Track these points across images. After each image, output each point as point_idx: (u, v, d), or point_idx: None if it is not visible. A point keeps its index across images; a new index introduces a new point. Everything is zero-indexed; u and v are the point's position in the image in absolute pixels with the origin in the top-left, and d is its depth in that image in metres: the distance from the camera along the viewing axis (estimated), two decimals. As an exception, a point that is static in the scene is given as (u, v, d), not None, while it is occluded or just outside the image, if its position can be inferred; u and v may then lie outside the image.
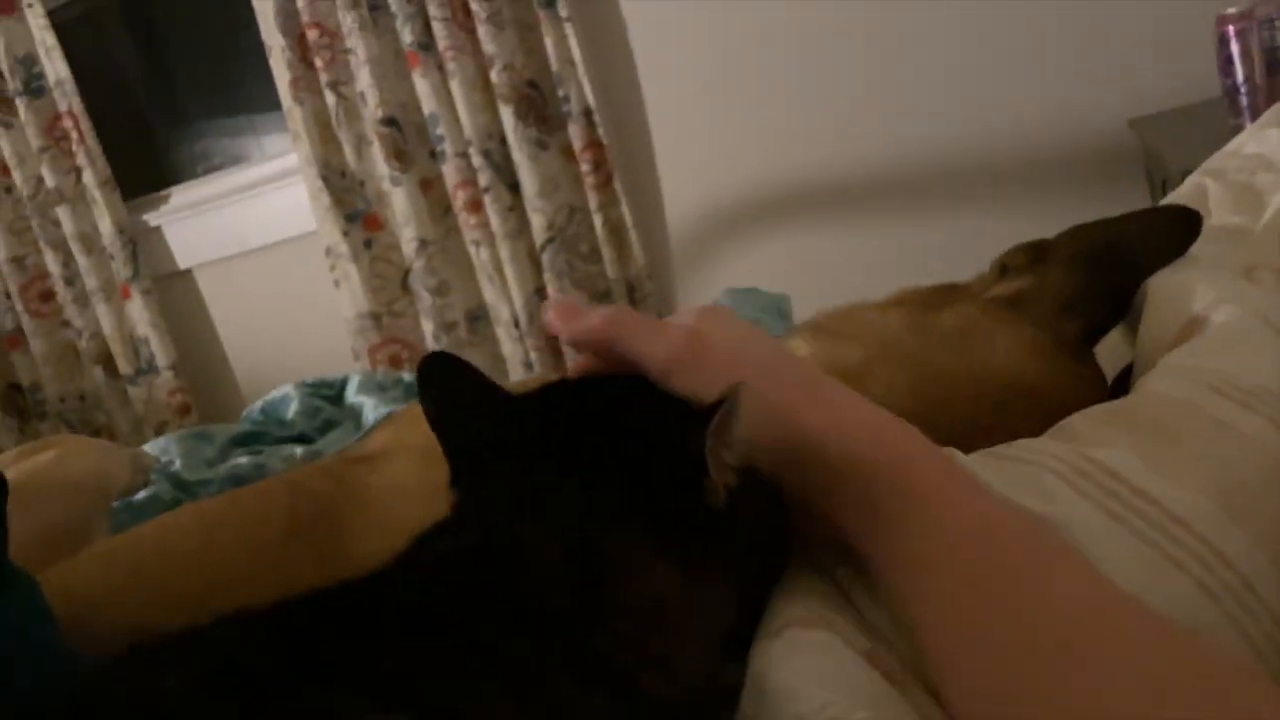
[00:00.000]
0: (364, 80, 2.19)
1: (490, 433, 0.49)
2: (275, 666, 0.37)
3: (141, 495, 1.30)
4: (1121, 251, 0.68)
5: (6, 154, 2.48)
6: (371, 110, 2.20)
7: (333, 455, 1.17)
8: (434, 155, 2.23)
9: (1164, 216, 0.72)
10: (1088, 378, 0.65)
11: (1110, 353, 0.69)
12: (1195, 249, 0.70)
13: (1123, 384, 0.66)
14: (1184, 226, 0.69)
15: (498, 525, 0.43)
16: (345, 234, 2.30)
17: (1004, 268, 0.70)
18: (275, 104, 2.33)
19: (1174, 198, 0.85)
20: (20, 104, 2.44)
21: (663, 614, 0.42)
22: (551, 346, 2.25)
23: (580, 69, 2.09)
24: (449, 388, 0.50)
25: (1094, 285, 0.67)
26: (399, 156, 2.22)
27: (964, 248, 1.77)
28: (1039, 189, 1.96)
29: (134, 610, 0.64)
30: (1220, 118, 1.55)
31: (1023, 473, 0.50)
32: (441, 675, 0.36)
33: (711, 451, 0.44)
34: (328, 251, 2.33)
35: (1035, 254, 0.70)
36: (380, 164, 2.25)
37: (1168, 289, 0.66)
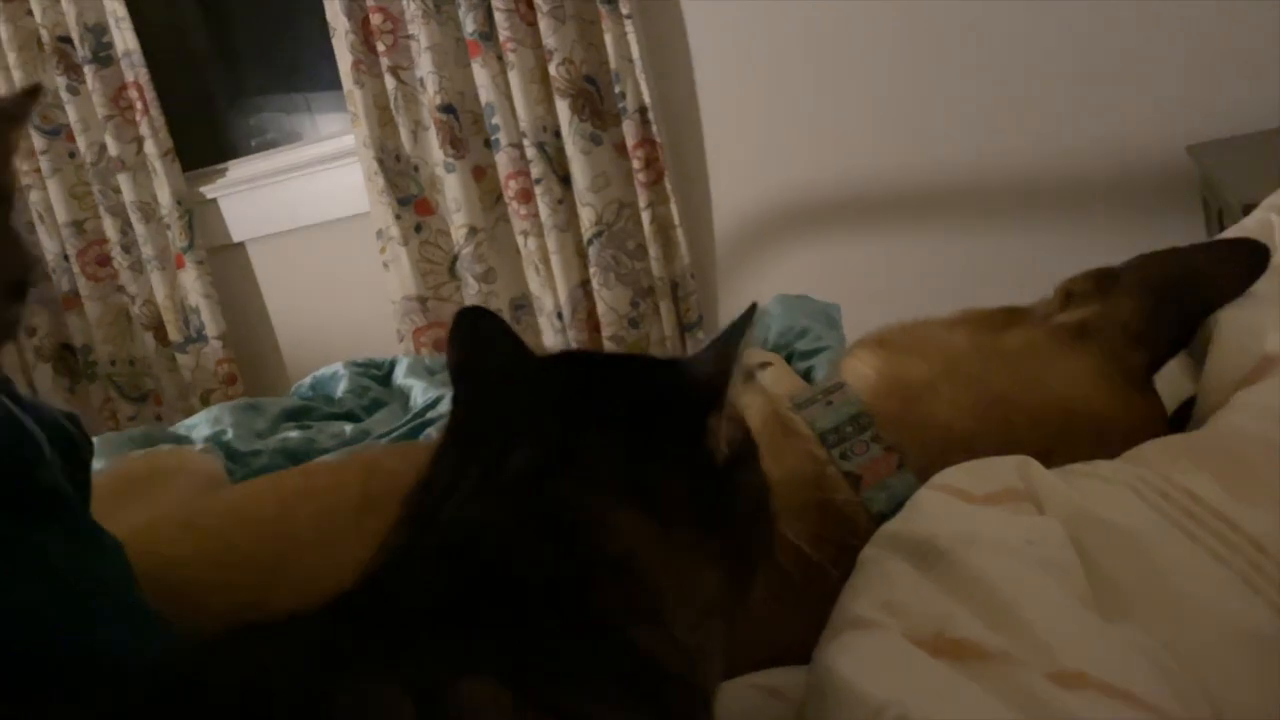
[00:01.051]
0: (424, 67, 2.22)
1: (501, 387, 0.50)
2: (360, 646, 0.39)
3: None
4: (1190, 283, 0.69)
5: (72, 120, 2.53)
6: (430, 97, 2.23)
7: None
8: (488, 144, 2.26)
9: (1232, 249, 0.73)
10: (1151, 410, 0.66)
11: (1168, 383, 0.70)
12: (1262, 287, 0.71)
13: (1182, 417, 0.67)
14: (1253, 260, 0.69)
15: (485, 501, 0.44)
16: (397, 217, 2.33)
17: (1069, 294, 0.71)
18: (332, 83, 2.37)
19: (1237, 231, 0.85)
20: (88, 72, 2.50)
21: (641, 567, 0.42)
22: (593, 339, 2.28)
23: (638, 66, 2.10)
24: (478, 340, 0.52)
25: (1162, 316, 0.68)
26: (454, 144, 2.25)
27: (1015, 265, 1.78)
28: (1092, 209, 1.95)
29: (210, 573, 0.67)
30: (1280, 149, 1.54)
31: (1103, 490, 0.51)
32: (480, 651, 0.39)
33: (730, 389, 0.45)
34: (379, 233, 2.37)
35: (1101, 282, 0.70)
36: (435, 150, 2.28)
37: (1238, 327, 0.66)
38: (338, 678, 0.36)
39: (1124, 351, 0.66)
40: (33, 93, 0.54)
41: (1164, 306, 0.68)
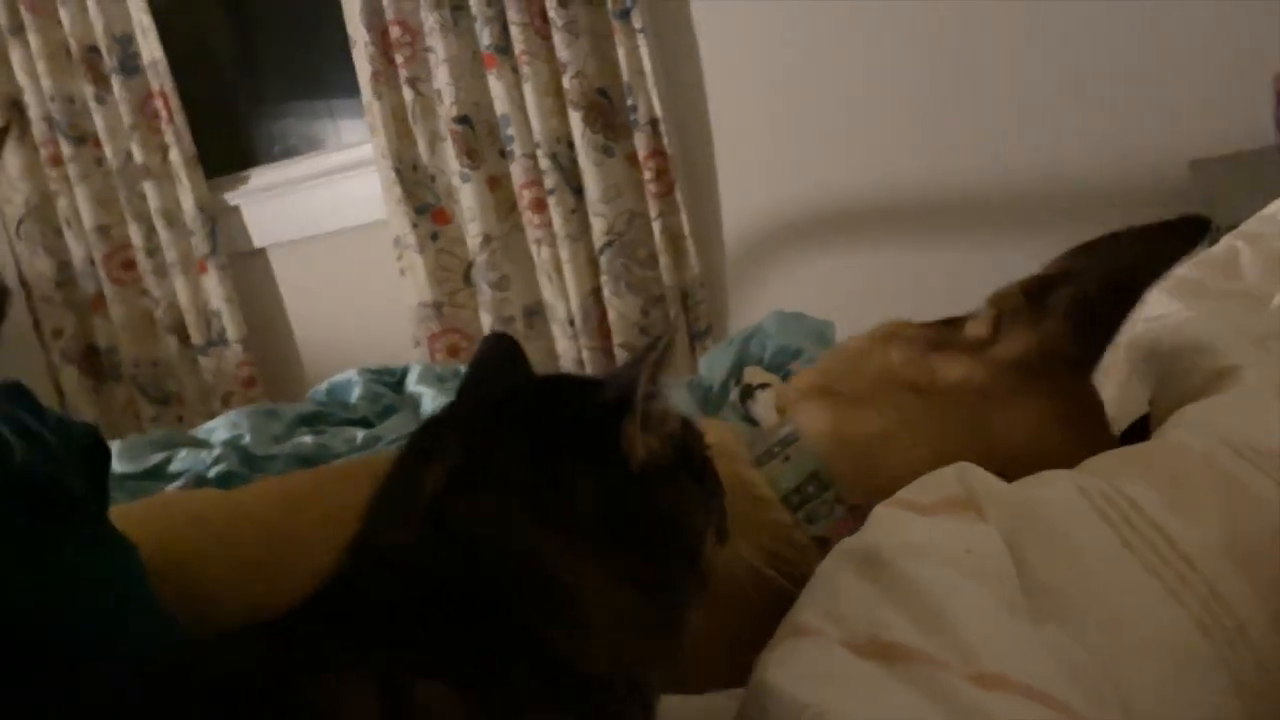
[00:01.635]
0: (441, 78, 2.27)
1: (461, 408, 0.54)
2: (325, 648, 0.43)
3: (213, 471, 1.39)
4: (1123, 284, 0.69)
5: (100, 128, 2.60)
6: (446, 108, 2.28)
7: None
8: (503, 155, 2.31)
9: (1168, 229, 0.71)
10: (1101, 439, 0.68)
11: (1127, 393, 0.72)
12: (1218, 309, 0.73)
13: (1135, 433, 0.69)
14: (1187, 234, 0.69)
15: (401, 522, 0.48)
16: (414, 225, 2.38)
17: (999, 315, 0.71)
18: (352, 91, 2.42)
19: (1205, 257, 0.87)
20: (115, 81, 2.56)
21: (548, 573, 0.45)
22: (604, 346, 2.32)
23: (650, 80, 2.14)
24: (490, 367, 0.56)
25: (1099, 329, 0.68)
26: (470, 154, 2.29)
27: (1020, 275, 1.80)
28: (1095, 221, 1.97)
29: (218, 575, 0.71)
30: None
31: (1047, 492, 0.54)
32: (424, 658, 0.42)
33: (641, 402, 0.47)
34: (396, 241, 2.42)
35: (1032, 294, 0.70)
36: (451, 160, 2.32)
37: (1191, 342, 0.69)
38: (308, 674, 0.40)
39: (1070, 384, 0.67)
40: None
41: (1101, 324, 0.68)
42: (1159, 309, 0.76)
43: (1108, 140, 1.95)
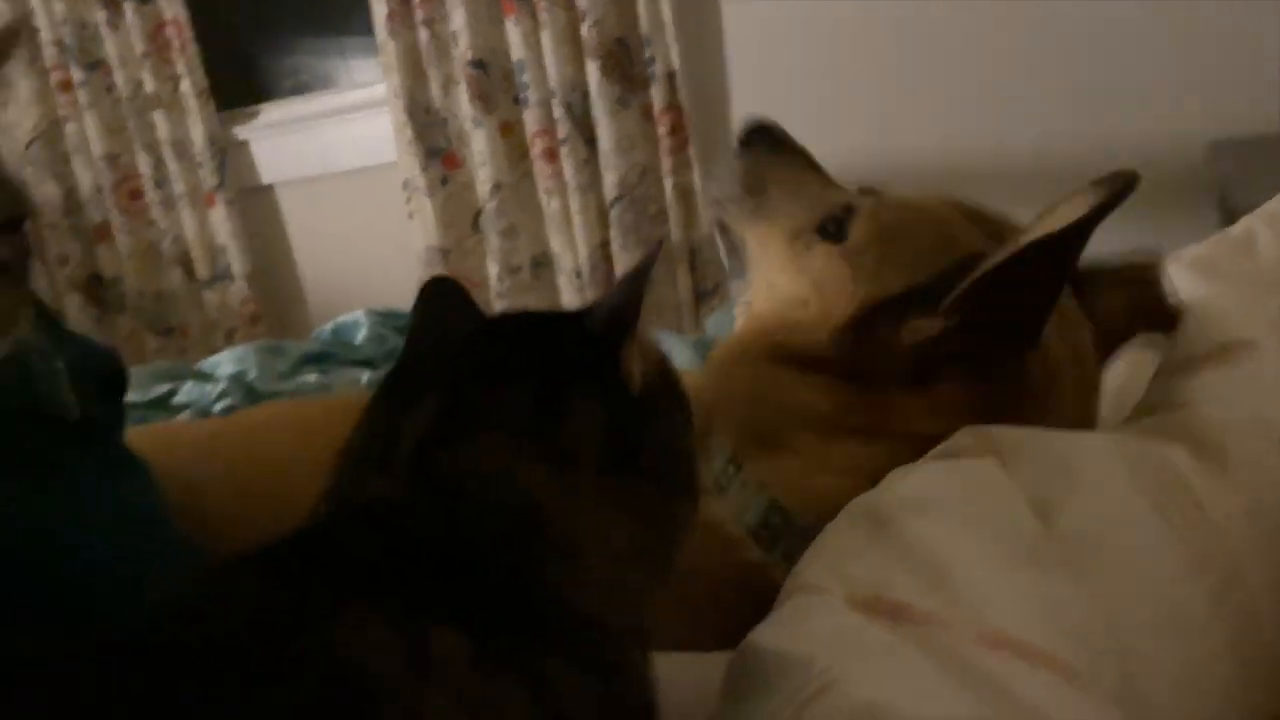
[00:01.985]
0: (457, 21, 2.24)
1: (429, 351, 0.51)
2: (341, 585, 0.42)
3: (218, 406, 1.40)
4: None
5: (111, 55, 2.57)
6: (462, 51, 2.26)
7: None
8: (517, 101, 2.29)
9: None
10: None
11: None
12: (1231, 287, 0.72)
13: None
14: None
15: (385, 469, 0.46)
16: (424, 169, 2.37)
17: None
18: (367, 29, 2.39)
19: (1221, 237, 0.86)
20: (128, 8, 2.53)
21: (546, 515, 0.44)
22: (609, 300, 2.32)
23: (669, 32, 2.12)
24: (434, 308, 0.53)
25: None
26: (483, 99, 2.27)
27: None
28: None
29: (227, 503, 0.71)
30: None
31: (1080, 441, 0.54)
32: (435, 603, 0.41)
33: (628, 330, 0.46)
34: (405, 184, 2.41)
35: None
36: (465, 104, 2.31)
37: (1200, 313, 0.68)
38: (326, 616, 0.40)
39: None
40: (12, 34, 0.54)
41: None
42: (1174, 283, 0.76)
43: (1126, 120, 1.94)
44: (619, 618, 0.45)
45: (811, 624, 0.46)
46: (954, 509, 0.49)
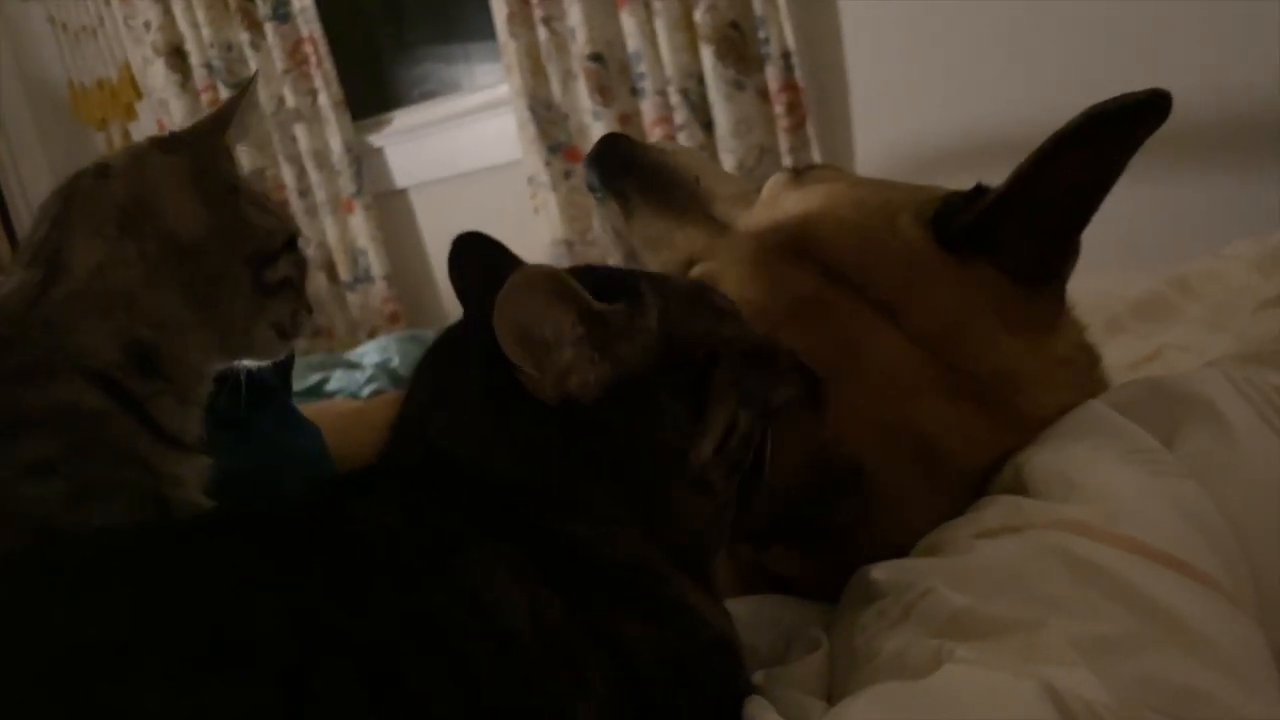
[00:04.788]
0: (574, 17, 2.30)
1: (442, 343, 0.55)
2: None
3: (365, 390, 1.49)
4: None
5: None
6: (580, 46, 2.32)
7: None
8: (634, 92, 2.33)
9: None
10: None
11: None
12: None
13: None
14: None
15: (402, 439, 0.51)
16: (547, 164, 2.44)
17: None
18: (488, 34, 2.48)
19: None
20: (269, 28, 2.69)
21: (545, 470, 0.46)
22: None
23: (782, 11, 2.12)
24: (477, 265, 0.56)
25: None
26: (602, 92, 2.33)
27: (1175, 212, 1.73)
28: (1242, 154, 1.87)
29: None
30: None
31: (1202, 373, 0.55)
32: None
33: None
34: (530, 180, 2.48)
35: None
36: (584, 98, 2.36)
37: None
38: (465, 550, 0.44)
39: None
40: (242, 91, 0.62)
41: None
42: None
43: (1225, 75, 1.84)
44: (654, 558, 0.47)
45: (924, 563, 0.48)
46: (1075, 441, 0.50)
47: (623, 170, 0.73)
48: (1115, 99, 0.55)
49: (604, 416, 0.46)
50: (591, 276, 0.49)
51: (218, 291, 0.54)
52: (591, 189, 0.75)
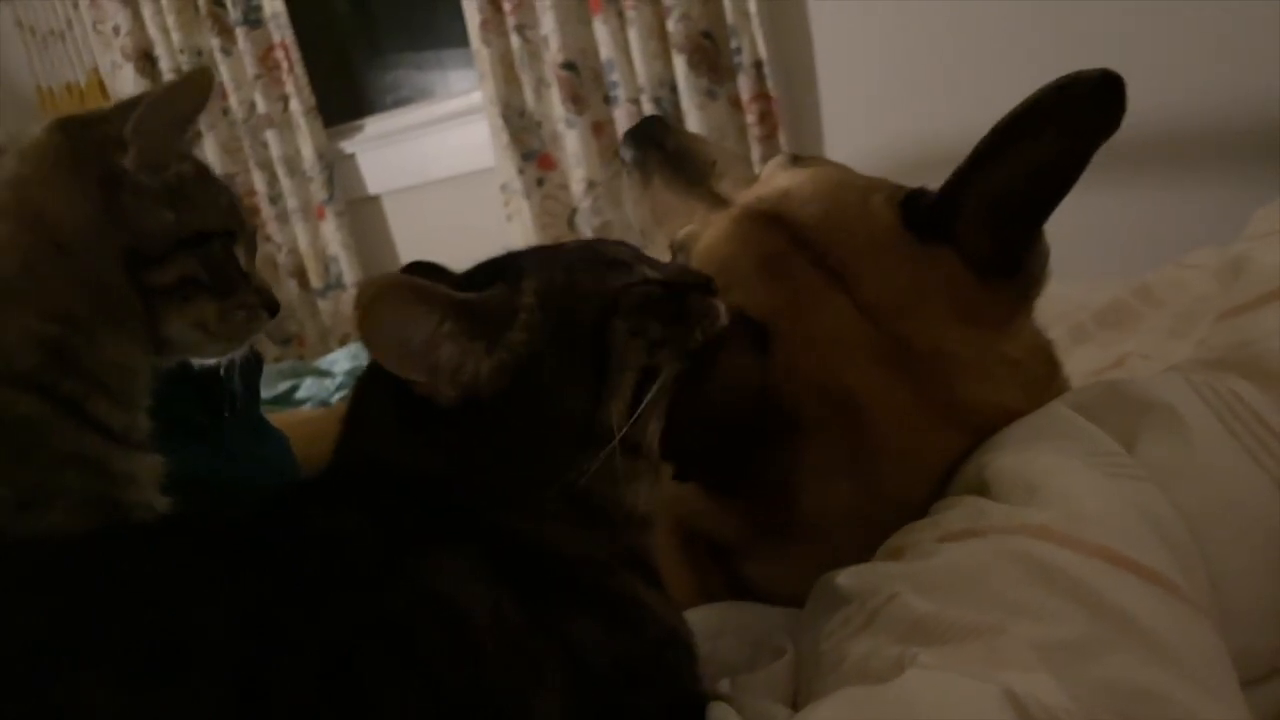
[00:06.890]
0: (548, 25, 2.30)
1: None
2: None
3: (335, 398, 1.48)
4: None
5: (225, 79, 2.72)
6: (553, 54, 2.32)
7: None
8: (607, 100, 2.33)
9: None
10: None
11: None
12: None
13: None
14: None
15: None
16: (520, 171, 2.44)
17: None
18: (461, 40, 2.47)
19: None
20: (240, 33, 2.67)
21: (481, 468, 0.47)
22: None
23: (754, 21, 2.14)
24: None
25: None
26: (575, 100, 2.33)
27: (1149, 221, 1.75)
28: (1236, 162, 1.90)
29: None
30: None
31: (1164, 377, 0.55)
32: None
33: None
34: (503, 187, 2.48)
35: None
36: (557, 106, 2.37)
37: (1263, 258, 0.68)
38: (410, 549, 0.44)
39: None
40: (172, 84, 0.59)
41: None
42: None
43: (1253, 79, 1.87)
44: (597, 550, 0.47)
45: (887, 567, 0.48)
46: (1037, 443, 0.51)
47: (651, 145, 0.78)
48: (1065, 77, 0.55)
49: (508, 404, 0.46)
50: (463, 271, 0.50)
51: (106, 288, 0.51)
52: (623, 162, 0.79)
